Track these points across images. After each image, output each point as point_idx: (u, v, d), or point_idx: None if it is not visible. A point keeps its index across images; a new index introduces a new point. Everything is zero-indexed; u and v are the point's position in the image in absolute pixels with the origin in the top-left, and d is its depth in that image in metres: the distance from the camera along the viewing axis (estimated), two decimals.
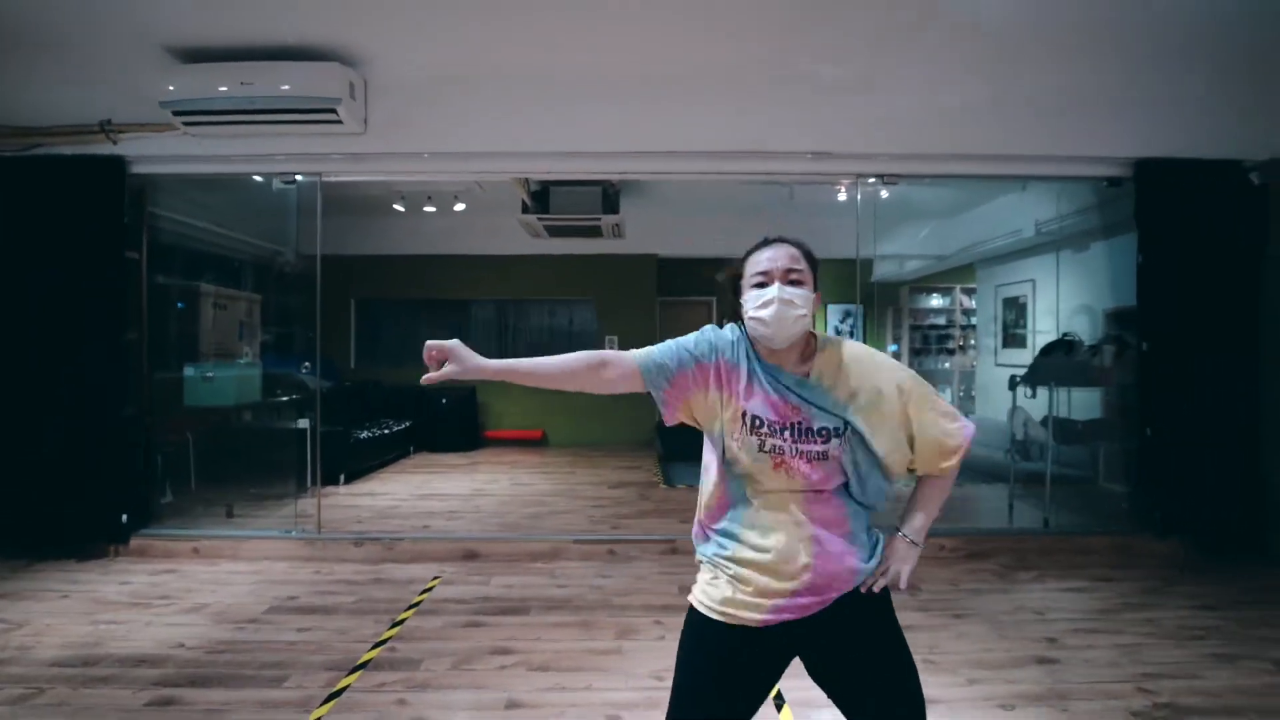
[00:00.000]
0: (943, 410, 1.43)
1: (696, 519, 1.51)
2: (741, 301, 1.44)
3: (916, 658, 1.43)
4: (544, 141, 4.40)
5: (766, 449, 1.37)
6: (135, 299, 4.54)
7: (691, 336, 1.47)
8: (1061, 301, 6.76)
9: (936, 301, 10.99)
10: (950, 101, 4.30)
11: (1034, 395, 4.84)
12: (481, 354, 1.41)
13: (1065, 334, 5.26)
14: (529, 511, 5.44)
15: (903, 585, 1.45)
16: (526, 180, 5.99)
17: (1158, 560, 4.36)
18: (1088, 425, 5.05)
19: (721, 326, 1.50)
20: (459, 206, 7.39)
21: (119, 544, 4.33)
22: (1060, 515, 4.91)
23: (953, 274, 9.98)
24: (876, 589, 1.42)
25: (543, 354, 1.46)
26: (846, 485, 1.41)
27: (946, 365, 10.80)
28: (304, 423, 4.85)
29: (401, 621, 3.36)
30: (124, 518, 4.32)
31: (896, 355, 10.77)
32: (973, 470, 7.07)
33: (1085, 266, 6.35)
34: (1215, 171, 4.40)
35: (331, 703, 2.58)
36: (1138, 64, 4.16)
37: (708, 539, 1.48)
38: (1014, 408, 5.07)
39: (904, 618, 1.45)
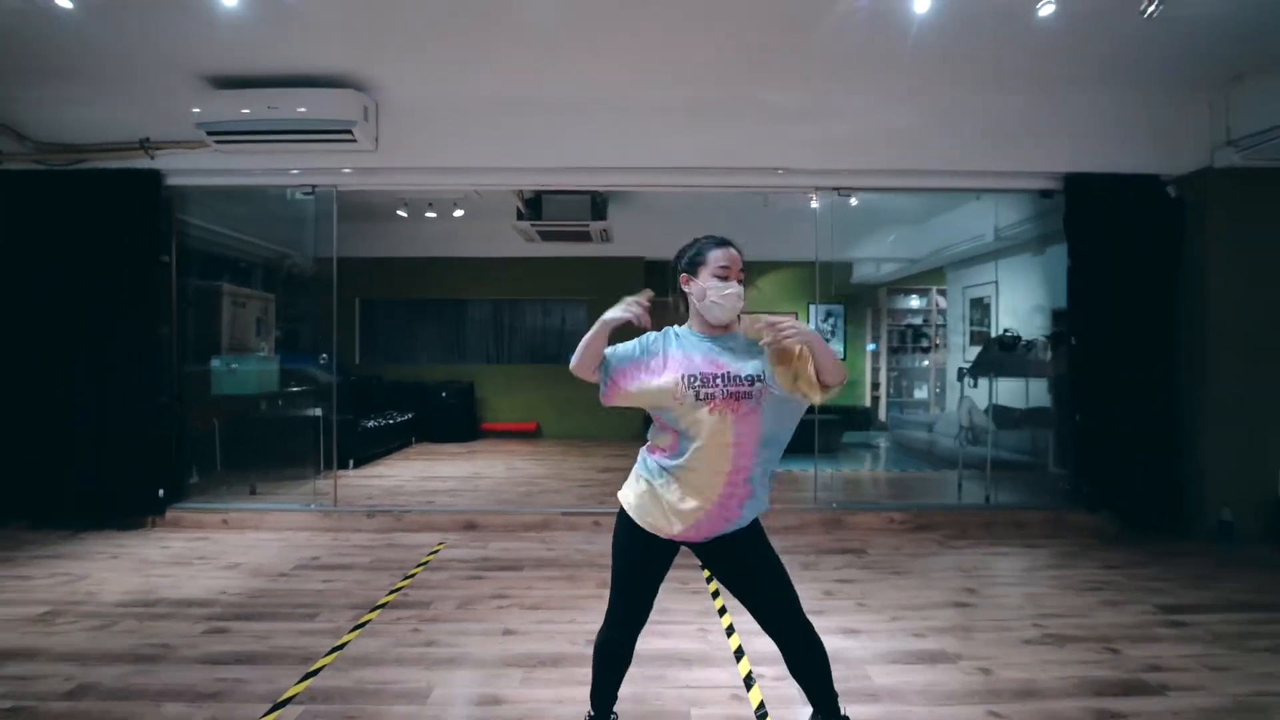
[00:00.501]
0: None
1: (649, 441, 2.02)
2: (698, 281, 1.94)
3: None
4: (535, 158, 4.93)
5: (702, 397, 1.86)
6: (166, 298, 5.05)
7: (613, 352, 1.94)
8: (1020, 301, 7.31)
9: (915, 303, 11.49)
10: (897, 124, 4.85)
11: (975, 385, 5.37)
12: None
13: (1005, 330, 5.79)
14: (523, 490, 5.98)
15: (784, 333, 1.80)
16: (520, 189, 6.52)
17: (1087, 532, 4.90)
18: (1027, 413, 5.60)
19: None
20: (458, 212, 7.91)
21: (156, 516, 4.85)
22: (1003, 493, 5.45)
23: (928, 276, 10.50)
24: (763, 333, 1.86)
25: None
26: (761, 436, 1.90)
27: (925, 363, 11.31)
28: (317, 411, 5.38)
29: (412, 575, 3.89)
30: (160, 492, 4.84)
31: (875, 354, 11.35)
32: (934, 457, 7.63)
33: (1040, 269, 6.89)
34: (1136, 185, 4.94)
35: (357, 631, 3.10)
36: (1064, 89, 4.70)
37: (648, 463, 1.99)
38: (961, 397, 5.61)
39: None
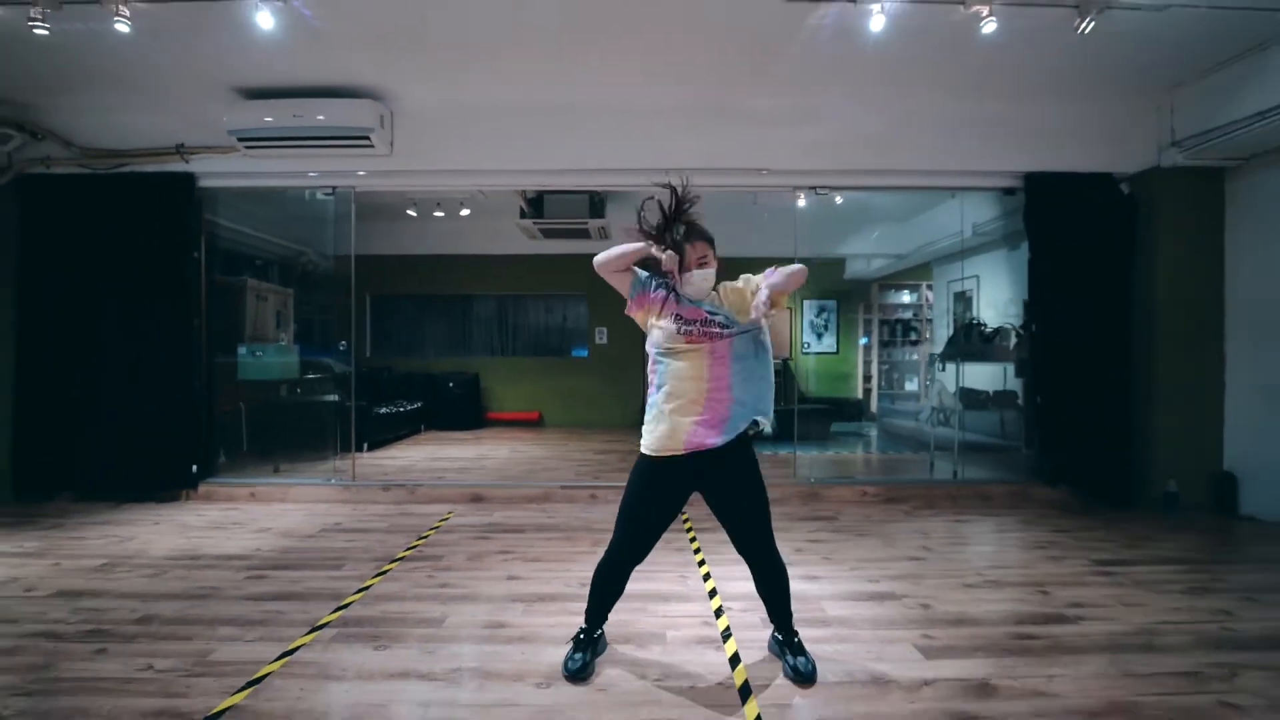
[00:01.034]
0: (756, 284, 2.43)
1: (649, 384, 2.49)
2: (688, 267, 2.41)
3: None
4: (537, 160, 5.36)
5: (681, 332, 2.39)
6: (197, 292, 5.48)
7: (642, 277, 2.50)
8: (998, 294, 7.70)
9: (906, 298, 11.87)
10: (869, 128, 5.27)
11: (944, 369, 5.79)
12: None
13: (972, 319, 6.20)
14: (525, 468, 6.42)
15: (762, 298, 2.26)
16: (523, 190, 6.95)
17: (1046, 504, 5.31)
18: (995, 395, 6.00)
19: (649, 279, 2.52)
20: (464, 211, 8.33)
21: (190, 490, 5.30)
22: (970, 469, 5.87)
23: (917, 272, 10.89)
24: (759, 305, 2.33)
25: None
26: (733, 352, 2.37)
27: (914, 357, 11.70)
28: (334, 397, 5.82)
29: (425, 537, 4.32)
30: (194, 468, 5.28)
31: (867, 347, 11.74)
32: (918, 444, 8.03)
33: (1016, 263, 7.28)
34: (1092, 183, 5.34)
35: (379, 577, 3.53)
36: (1021, 94, 5.09)
37: (653, 397, 2.45)
38: (932, 380, 6.02)
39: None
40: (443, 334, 10.54)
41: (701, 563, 3.78)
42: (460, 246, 9.86)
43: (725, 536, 2.56)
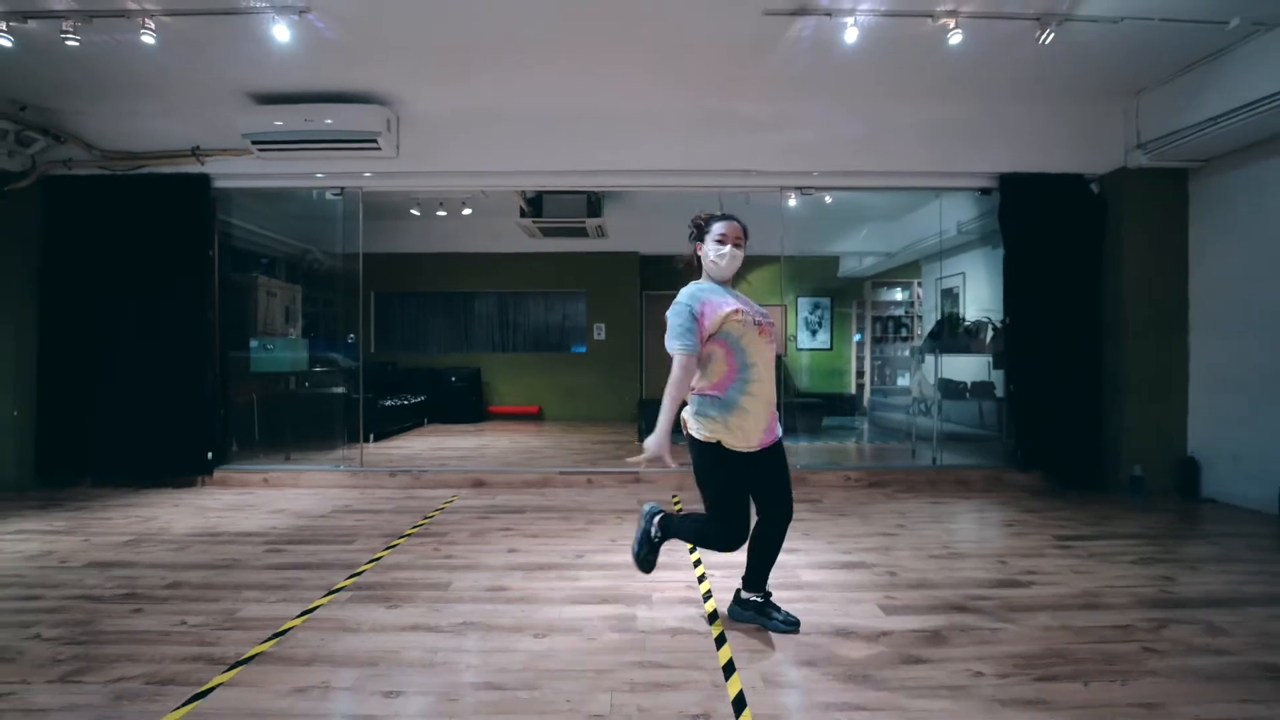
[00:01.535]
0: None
1: (695, 388, 2.63)
2: (704, 247, 2.65)
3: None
4: (537, 162, 5.64)
5: (752, 324, 2.57)
6: (211, 288, 5.75)
7: (683, 311, 2.53)
8: (983, 290, 7.98)
9: (899, 295, 12.14)
10: (850, 131, 5.54)
11: (922, 361, 6.06)
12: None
13: (949, 313, 6.47)
14: (524, 456, 6.71)
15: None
16: (523, 190, 7.23)
17: (1020, 488, 5.59)
18: (973, 386, 6.28)
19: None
20: (466, 211, 8.62)
21: (205, 475, 5.58)
22: (950, 456, 6.14)
23: (909, 270, 11.16)
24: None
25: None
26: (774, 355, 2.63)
27: (906, 352, 11.96)
28: (341, 389, 6.10)
29: (431, 517, 4.60)
30: (209, 455, 5.56)
31: (860, 343, 12.01)
32: (905, 436, 8.31)
33: (998, 260, 7.55)
34: (1063, 183, 5.61)
35: (389, 550, 3.81)
36: (995, 99, 5.36)
37: (716, 403, 2.57)
38: (914, 371, 6.29)
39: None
40: (445, 330, 10.82)
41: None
42: (462, 245, 10.14)
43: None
